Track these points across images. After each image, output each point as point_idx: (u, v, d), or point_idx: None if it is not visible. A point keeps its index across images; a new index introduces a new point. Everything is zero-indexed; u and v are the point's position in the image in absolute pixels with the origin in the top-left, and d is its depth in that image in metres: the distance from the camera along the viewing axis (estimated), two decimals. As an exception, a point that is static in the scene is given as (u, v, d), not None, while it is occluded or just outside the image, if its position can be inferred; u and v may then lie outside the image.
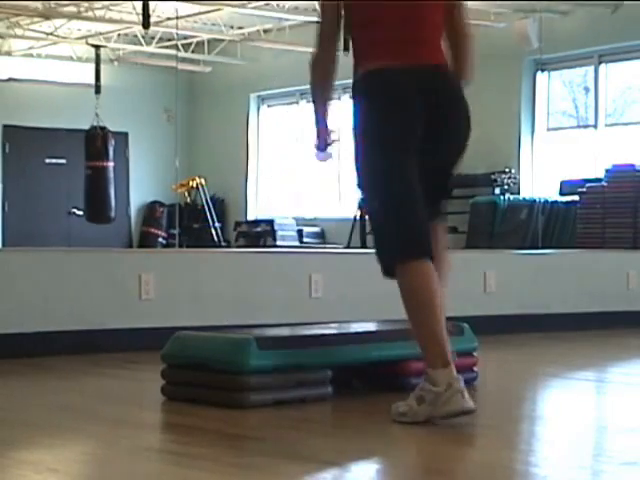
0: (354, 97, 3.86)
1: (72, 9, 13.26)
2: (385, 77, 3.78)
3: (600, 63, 12.00)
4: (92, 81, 12.97)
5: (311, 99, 3.99)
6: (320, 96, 3.96)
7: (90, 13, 13.34)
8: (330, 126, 3.99)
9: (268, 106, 15.89)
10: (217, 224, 14.37)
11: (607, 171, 11.06)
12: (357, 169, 3.82)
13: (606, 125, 12.05)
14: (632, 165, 10.88)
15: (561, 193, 11.67)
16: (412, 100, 3.74)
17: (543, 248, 9.96)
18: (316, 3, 12.91)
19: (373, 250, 3.76)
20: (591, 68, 12.12)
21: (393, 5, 3.83)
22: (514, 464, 3.02)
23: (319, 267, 6.61)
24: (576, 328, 7.28)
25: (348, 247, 12.19)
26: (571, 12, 11.84)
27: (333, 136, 4.01)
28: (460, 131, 3.85)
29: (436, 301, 3.55)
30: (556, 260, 7.95)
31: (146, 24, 10.87)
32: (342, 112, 14.57)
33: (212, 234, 14.13)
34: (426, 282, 3.58)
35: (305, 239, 14.37)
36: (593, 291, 7.69)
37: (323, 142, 3.98)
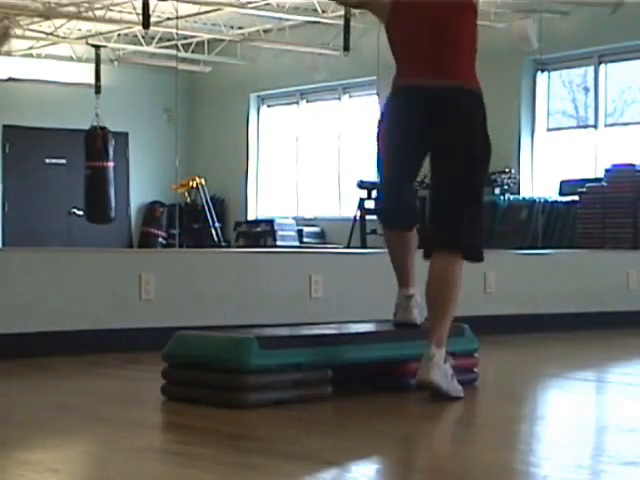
0: None
1: (72, 9, 13.26)
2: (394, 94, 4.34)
3: (600, 63, 12.00)
4: (92, 81, 12.97)
5: None
6: None
7: (90, 13, 13.34)
8: None
9: (268, 106, 15.89)
10: (217, 224, 14.37)
11: (607, 171, 11.06)
12: None
13: (606, 125, 12.05)
14: (632, 165, 10.88)
15: (561, 193, 11.67)
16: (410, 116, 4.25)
17: (543, 248, 9.96)
18: (316, 3, 12.91)
19: None
20: (591, 68, 12.12)
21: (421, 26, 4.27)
22: (514, 464, 3.02)
23: (319, 267, 6.60)
24: (576, 328, 7.28)
25: (348, 247, 12.19)
26: (571, 12, 11.85)
27: None
28: (455, 147, 4.23)
29: (396, 253, 4.44)
30: (556, 260, 7.95)
31: (146, 24, 10.87)
32: (342, 112, 14.55)
33: (212, 234, 14.13)
34: (389, 243, 4.46)
35: (305, 239, 14.37)
36: (593, 291, 7.69)
37: None
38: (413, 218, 4.45)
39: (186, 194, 14.22)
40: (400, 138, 4.30)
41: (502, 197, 11.88)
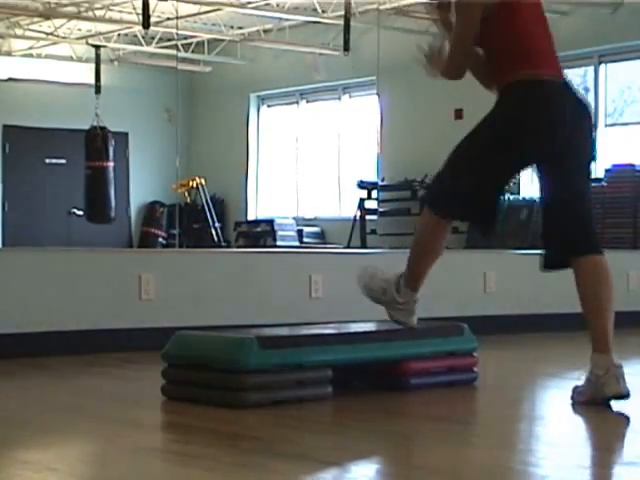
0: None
1: (72, 9, 13.27)
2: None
3: (600, 63, 12.00)
4: (92, 81, 13.00)
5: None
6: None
7: (90, 13, 13.35)
8: None
9: (268, 106, 15.90)
10: (217, 224, 14.38)
11: (607, 171, 11.06)
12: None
13: (606, 125, 12.05)
14: (632, 165, 10.88)
15: (561, 193, 11.67)
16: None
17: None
18: (316, 3, 12.91)
19: None
20: (591, 68, 12.12)
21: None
22: (513, 464, 3.02)
23: (319, 267, 6.60)
24: (576, 328, 7.25)
25: (348, 247, 12.19)
26: (571, 12, 11.85)
27: None
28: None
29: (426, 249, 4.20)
30: (556, 260, 7.94)
31: (146, 24, 10.89)
32: (342, 112, 14.54)
33: (212, 234, 14.14)
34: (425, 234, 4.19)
35: (305, 239, 14.38)
36: (593, 291, 7.67)
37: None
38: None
39: (186, 194, 14.23)
40: (522, 132, 3.95)
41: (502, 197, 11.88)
